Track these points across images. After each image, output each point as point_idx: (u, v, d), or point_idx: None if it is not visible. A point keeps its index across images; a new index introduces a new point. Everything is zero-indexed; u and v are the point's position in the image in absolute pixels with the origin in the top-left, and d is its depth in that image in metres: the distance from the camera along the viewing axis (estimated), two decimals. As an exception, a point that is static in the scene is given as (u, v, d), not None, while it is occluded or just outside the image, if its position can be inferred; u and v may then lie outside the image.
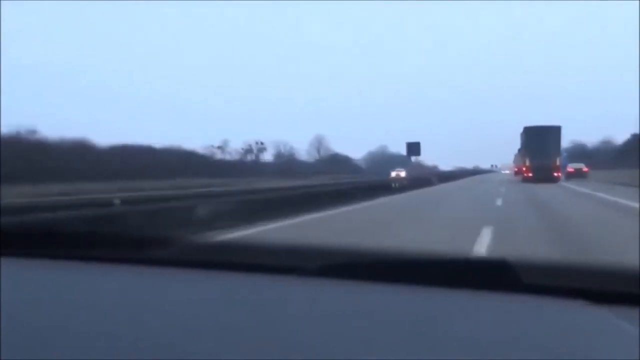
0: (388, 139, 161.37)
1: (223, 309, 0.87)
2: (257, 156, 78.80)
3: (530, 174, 40.32)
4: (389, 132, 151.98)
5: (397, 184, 28.06)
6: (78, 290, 0.97)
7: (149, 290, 0.98)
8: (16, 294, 0.90)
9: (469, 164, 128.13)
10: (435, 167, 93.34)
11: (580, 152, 72.59)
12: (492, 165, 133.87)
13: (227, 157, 70.70)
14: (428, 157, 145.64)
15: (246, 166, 59.61)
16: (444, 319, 0.83)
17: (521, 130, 46.75)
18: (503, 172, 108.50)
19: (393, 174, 51.49)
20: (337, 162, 55.53)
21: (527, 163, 41.01)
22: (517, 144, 51.43)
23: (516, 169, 74.15)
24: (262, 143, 77.83)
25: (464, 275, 0.98)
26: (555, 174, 40.01)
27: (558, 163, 40.46)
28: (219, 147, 70.47)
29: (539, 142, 40.43)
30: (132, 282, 1.04)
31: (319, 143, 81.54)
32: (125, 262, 1.14)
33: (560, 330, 0.80)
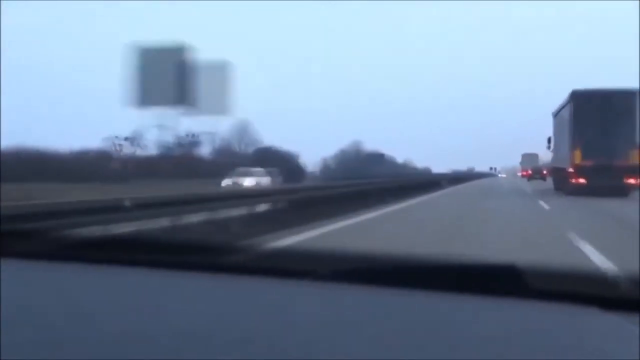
0: (378, 138, 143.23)
1: (233, 312, 0.87)
2: (189, 150, 61.32)
3: (582, 180, 21.76)
4: (377, 131, 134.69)
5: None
6: (78, 292, 0.97)
7: (152, 293, 0.98)
8: (16, 295, 0.91)
9: (463, 166, 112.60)
10: (427, 169, 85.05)
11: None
12: (491, 168, 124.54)
13: (139, 152, 52.63)
14: (419, 159, 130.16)
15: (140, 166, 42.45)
16: (454, 324, 0.84)
17: (552, 109, 28.23)
18: (500, 175, 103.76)
19: (225, 183, 29.43)
20: (267, 159, 38.04)
21: (577, 160, 22.11)
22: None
23: (529, 172, 56.94)
24: (194, 135, 59.94)
25: (475, 280, 0.98)
26: (632, 181, 21.39)
27: (637, 159, 21.35)
28: (126, 139, 52.23)
29: (600, 119, 21.83)
30: (134, 284, 1.03)
31: (242, 131, 61.72)
32: (126, 265, 1.12)
33: (571, 336, 0.81)
